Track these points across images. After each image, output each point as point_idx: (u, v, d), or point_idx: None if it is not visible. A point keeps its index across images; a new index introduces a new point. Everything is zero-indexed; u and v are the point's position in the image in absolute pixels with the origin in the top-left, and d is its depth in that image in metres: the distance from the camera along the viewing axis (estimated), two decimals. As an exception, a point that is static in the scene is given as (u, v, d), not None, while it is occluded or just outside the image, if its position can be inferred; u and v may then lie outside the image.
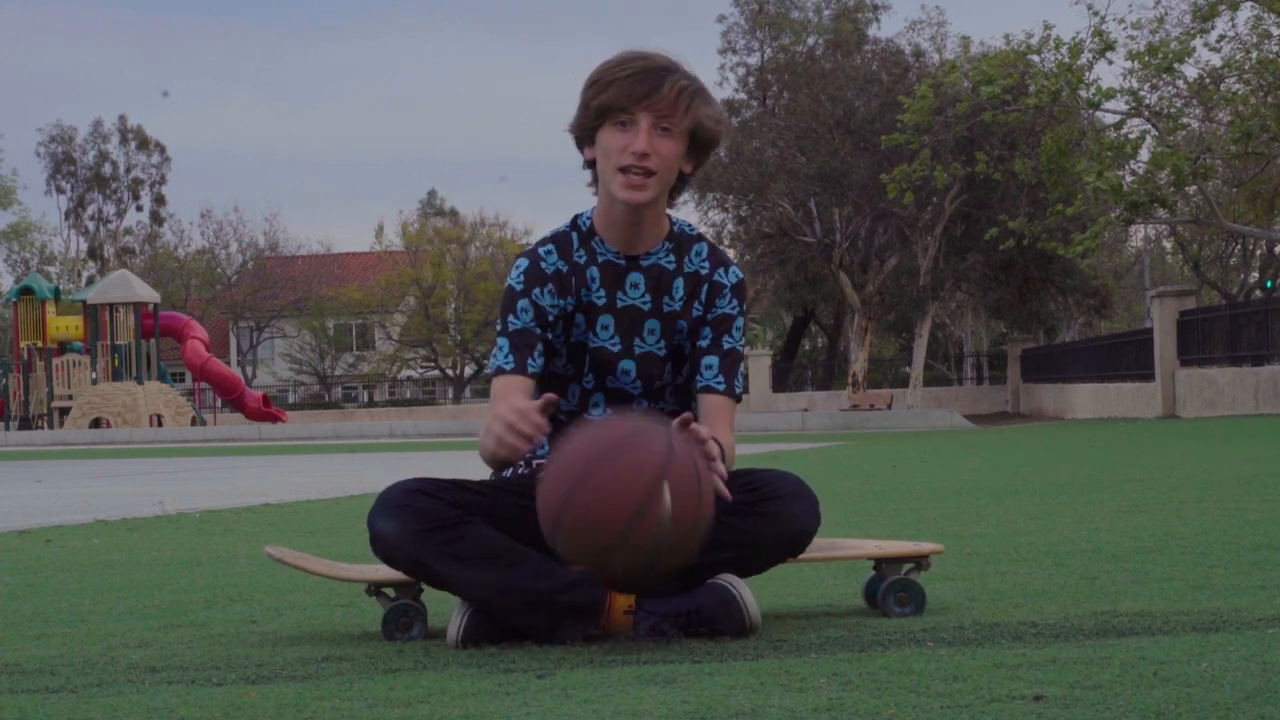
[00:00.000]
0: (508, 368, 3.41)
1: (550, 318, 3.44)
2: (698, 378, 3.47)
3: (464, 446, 24.41)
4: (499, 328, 3.47)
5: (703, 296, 3.48)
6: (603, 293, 3.46)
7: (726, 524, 3.28)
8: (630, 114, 3.32)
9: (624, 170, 3.33)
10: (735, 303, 3.50)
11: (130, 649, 3.42)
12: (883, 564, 3.57)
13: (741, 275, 3.53)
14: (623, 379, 3.49)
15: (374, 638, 3.47)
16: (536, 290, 3.44)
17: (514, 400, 3.19)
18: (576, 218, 3.52)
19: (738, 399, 3.48)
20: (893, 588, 3.53)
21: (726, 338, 3.48)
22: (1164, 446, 14.97)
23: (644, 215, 3.41)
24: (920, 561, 3.57)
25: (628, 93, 3.31)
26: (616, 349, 3.47)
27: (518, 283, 3.45)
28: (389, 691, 2.69)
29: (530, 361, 3.41)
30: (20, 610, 4.31)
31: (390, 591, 3.45)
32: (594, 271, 3.46)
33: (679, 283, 3.48)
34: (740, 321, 3.50)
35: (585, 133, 3.39)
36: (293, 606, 4.17)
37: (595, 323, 3.47)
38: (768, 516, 3.30)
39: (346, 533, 6.94)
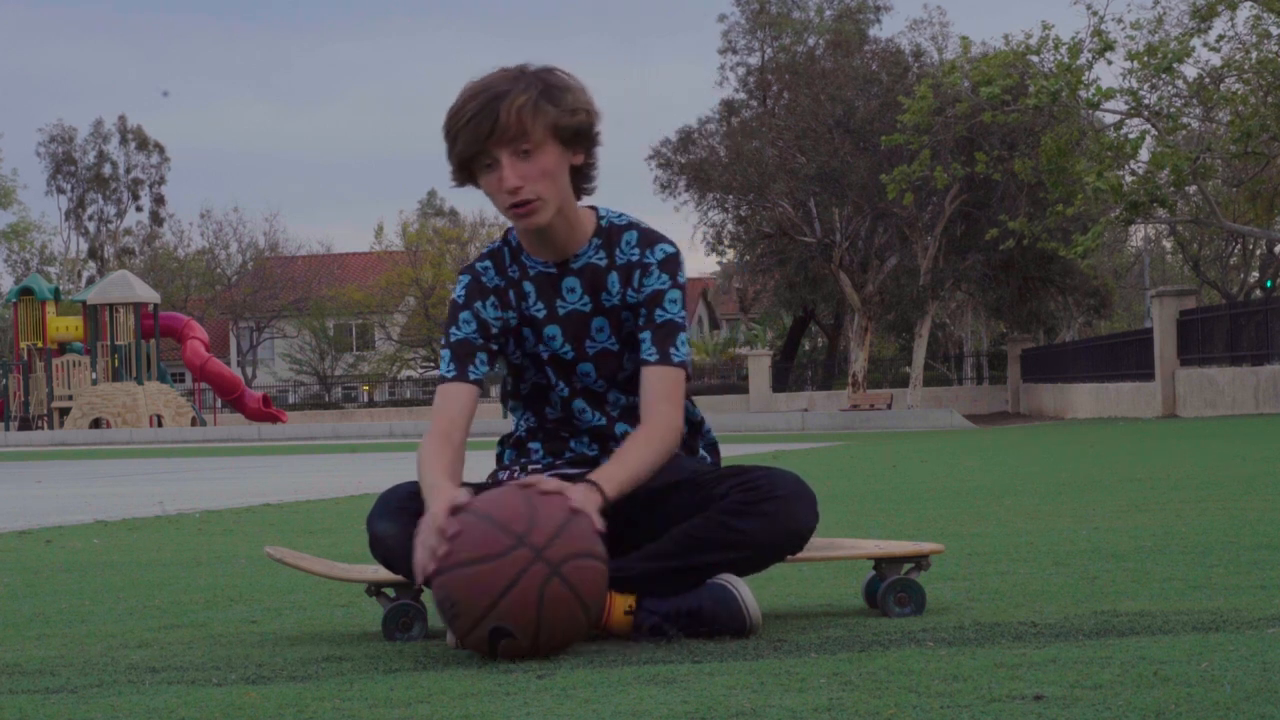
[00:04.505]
0: (449, 375, 3.44)
1: (494, 330, 3.45)
2: (639, 356, 3.44)
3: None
4: (442, 341, 3.51)
5: (635, 282, 3.45)
6: (541, 305, 3.46)
7: (725, 524, 3.28)
8: (489, 155, 3.30)
9: (509, 208, 3.33)
10: (664, 276, 3.44)
11: (130, 649, 3.42)
12: (883, 564, 3.57)
13: (673, 249, 3.47)
14: (585, 380, 3.49)
15: (374, 638, 3.47)
16: (478, 303, 3.46)
17: (437, 505, 3.13)
18: (508, 232, 3.53)
19: (679, 367, 3.40)
20: (893, 588, 3.52)
21: (659, 311, 3.42)
22: (1164, 446, 14.96)
23: (555, 227, 3.39)
24: (920, 561, 3.56)
25: (473, 138, 3.28)
26: (570, 355, 3.48)
27: (460, 296, 3.48)
28: (389, 691, 2.69)
29: (472, 369, 3.43)
30: (20, 610, 4.31)
31: (390, 592, 3.46)
32: (529, 286, 3.46)
33: (613, 276, 3.46)
34: (675, 294, 3.43)
35: (468, 182, 3.38)
36: (293, 606, 4.17)
37: (542, 334, 3.47)
38: (766, 516, 3.29)
39: (346, 533, 6.94)
